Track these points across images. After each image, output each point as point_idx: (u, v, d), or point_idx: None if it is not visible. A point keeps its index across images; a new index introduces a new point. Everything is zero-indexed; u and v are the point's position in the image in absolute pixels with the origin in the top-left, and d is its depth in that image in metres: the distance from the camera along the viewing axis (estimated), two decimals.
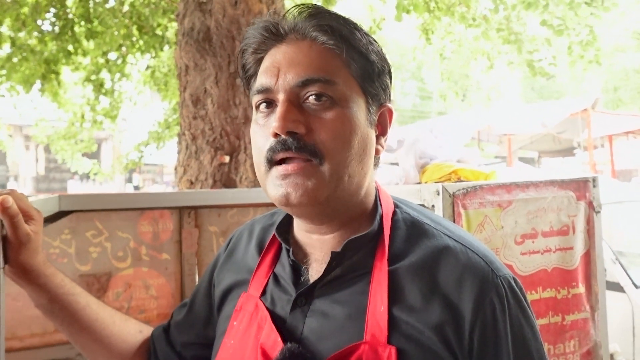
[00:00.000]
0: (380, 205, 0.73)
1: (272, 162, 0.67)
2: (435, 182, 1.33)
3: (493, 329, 0.64)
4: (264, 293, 0.75)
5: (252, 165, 2.44)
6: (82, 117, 4.25)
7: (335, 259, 0.68)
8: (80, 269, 1.88)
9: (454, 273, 0.65)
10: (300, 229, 0.76)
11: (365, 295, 0.65)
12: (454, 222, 1.16)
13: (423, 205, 1.22)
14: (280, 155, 0.66)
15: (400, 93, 19.46)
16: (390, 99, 0.75)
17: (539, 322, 1.25)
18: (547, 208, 1.26)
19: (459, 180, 1.34)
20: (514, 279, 0.68)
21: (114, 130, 4.79)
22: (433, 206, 1.17)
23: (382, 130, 0.74)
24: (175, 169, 2.59)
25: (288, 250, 0.74)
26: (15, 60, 3.70)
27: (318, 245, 0.73)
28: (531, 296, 1.25)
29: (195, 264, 2.05)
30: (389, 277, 0.65)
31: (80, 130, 4.37)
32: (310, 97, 0.66)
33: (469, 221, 1.18)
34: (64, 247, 1.85)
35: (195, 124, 2.48)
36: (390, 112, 0.75)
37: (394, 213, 0.73)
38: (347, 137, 0.66)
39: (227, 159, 2.42)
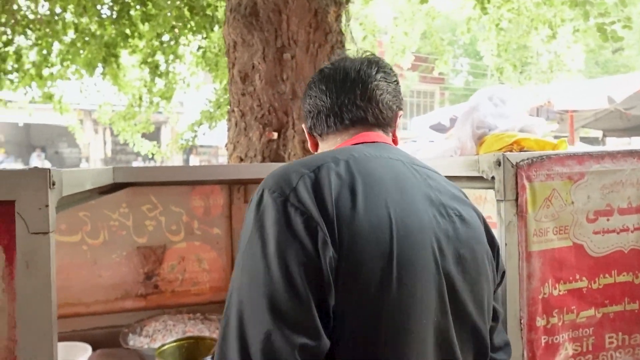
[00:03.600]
0: None
1: None
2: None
3: None
4: None
5: (300, 141, 2.40)
6: (140, 98, 4.39)
7: None
8: (137, 241, 1.95)
9: None
10: None
11: None
12: (517, 196, 1.07)
13: (481, 178, 1.14)
14: None
15: (452, 71, 18.75)
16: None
17: (613, 309, 1.15)
18: (625, 182, 1.14)
19: (523, 151, 1.24)
20: (273, 193, 0.73)
21: (170, 112, 4.90)
22: (493, 178, 1.09)
23: None
24: (226, 146, 2.61)
25: None
26: (78, 45, 3.86)
27: None
28: (605, 280, 1.14)
29: None
30: None
31: (139, 112, 4.53)
32: None
33: (534, 195, 1.08)
34: (122, 220, 1.92)
35: (243, 100, 2.47)
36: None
37: None
38: None
39: (275, 135, 2.40)
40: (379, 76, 0.95)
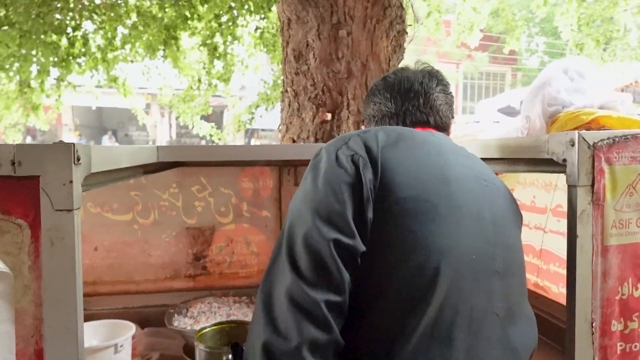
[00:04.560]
0: None
1: None
2: None
3: None
4: None
5: (354, 122, 2.30)
6: (199, 81, 4.46)
7: None
8: (187, 222, 1.95)
9: None
10: None
11: None
12: (594, 181, 0.92)
13: (550, 161, 1.00)
14: None
15: (526, 50, 17.56)
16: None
17: None
18: None
19: (603, 130, 1.07)
20: (328, 147, 0.86)
21: (228, 94, 4.96)
22: (565, 160, 0.94)
23: None
24: (279, 127, 2.56)
25: None
26: (140, 28, 3.97)
27: None
28: None
29: None
30: None
31: (198, 94, 4.61)
32: None
33: (615, 180, 0.93)
34: (172, 201, 1.93)
35: (297, 80, 2.40)
36: None
37: None
38: None
39: (329, 116, 2.32)
40: (438, 89, 1.06)
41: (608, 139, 0.92)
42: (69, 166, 0.75)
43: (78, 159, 0.77)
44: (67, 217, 0.75)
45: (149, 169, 1.47)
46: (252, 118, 4.65)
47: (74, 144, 0.76)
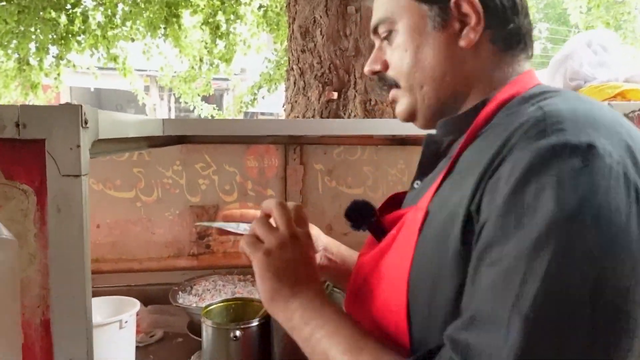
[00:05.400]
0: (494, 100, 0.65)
1: None
2: None
3: (501, 185, 0.50)
4: None
5: (361, 102, 2.26)
6: (201, 60, 4.39)
7: (428, 145, 0.74)
8: (190, 200, 1.92)
9: (503, 135, 0.54)
10: None
11: (437, 175, 0.66)
12: None
13: None
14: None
15: None
16: None
17: None
18: None
19: None
20: (575, 145, 0.46)
21: (230, 74, 4.89)
22: None
23: (464, 20, 0.67)
24: (283, 107, 2.51)
25: None
26: (141, 5, 3.88)
27: None
28: None
29: (300, 202, 1.98)
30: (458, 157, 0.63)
31: (200, 74, 4.54)
32: (384, 37, 0.73)
33: None
34: (176, 178, 1.89)
35: (303, 57, 2.34)
36: None
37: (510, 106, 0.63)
38: (411, 59, 0.70)
39: (335, 95, 2.27)
40: None
41: None
42: (77, 129, 0.71)
43: (86, 122, 0.72)
44: (75, 183, 0.71)
45: (154, 142, 1.42)
46: (255, 99, 4.60)
47: (81, 105, 0.72)
